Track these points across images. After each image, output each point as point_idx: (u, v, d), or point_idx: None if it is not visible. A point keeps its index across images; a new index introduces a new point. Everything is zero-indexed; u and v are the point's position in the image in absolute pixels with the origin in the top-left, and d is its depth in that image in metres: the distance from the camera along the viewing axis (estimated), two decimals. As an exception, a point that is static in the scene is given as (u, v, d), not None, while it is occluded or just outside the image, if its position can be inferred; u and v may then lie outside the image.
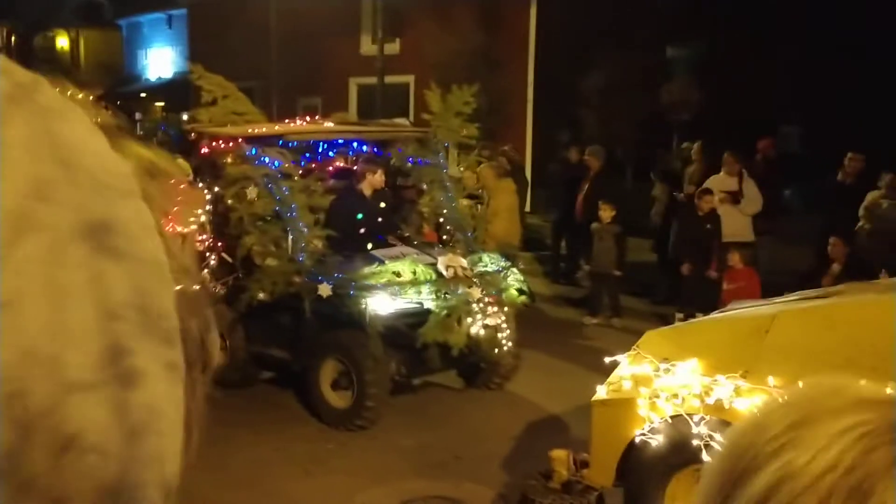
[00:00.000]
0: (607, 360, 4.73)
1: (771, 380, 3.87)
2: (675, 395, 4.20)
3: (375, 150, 8.65)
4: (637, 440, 4.40)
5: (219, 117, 8.19)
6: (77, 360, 0.37)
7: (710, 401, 4.08)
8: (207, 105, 8.24)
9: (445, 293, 6.91)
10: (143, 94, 29.23)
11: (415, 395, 7.50)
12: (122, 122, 0.49)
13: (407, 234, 8.36)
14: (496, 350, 7.03)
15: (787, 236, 11.01)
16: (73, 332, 0.37)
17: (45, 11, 32.68)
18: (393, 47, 18.41)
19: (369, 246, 7.58)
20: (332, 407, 6.97)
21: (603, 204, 10.02)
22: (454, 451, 6.43)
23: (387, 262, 7.10)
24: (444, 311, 6.79)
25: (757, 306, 4.88)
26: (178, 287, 0.44)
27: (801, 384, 0.66)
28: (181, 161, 6.99)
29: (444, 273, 7.08)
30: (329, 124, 8.92)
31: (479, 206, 9.47)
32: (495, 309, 6.96)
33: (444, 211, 8.32)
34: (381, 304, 6.72)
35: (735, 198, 9.92)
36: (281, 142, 7.93)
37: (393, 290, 6.81)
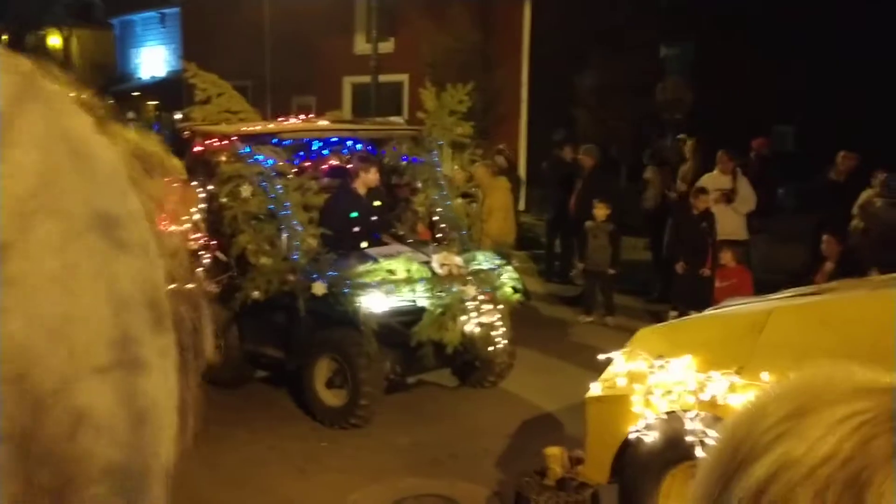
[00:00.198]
0: (601, 357, 4.73)
1: (765, 376, 3.87)
2: (670, 392, 4.21)
3: (370, 148, 8.64)
4: (631, 437, 4.41)
5: (213, 116, 8.18)
6: (90, 343, 0.38)
7: (705, 397, 4.08)
8: (201, 103, 8.23)
9: (440, 291, 6.91)
10: (135, 93, 29.19)
11: (409, 394, 7.51)
12: (108, 107, 0.49)
13: (401, 233, 8.36)
14: (490, 348, 7.04)
15: (781, 235, 11.05)
16: (87, 317, 0.38)
17: (36, 10, 32.63)
18: (387, 46, 18.42)
19: (363, 244, 7.58)
20: (326, 405, 6.96)
21: (598, 202, 10.03)
22: (449, 449, 6.43)
23: (381, 260, 7.10)
24: (439, 310, 6.79)
25: (751, 303, 4.89)
26: (167, 273, 0.45)
27: (799, 372, 0.65)
28: (175, 160, 6.97)
29: (439, 271, 7.08)
30: (323, 123, 8.91)
31: (473, 205, 9.47)
32: (490, 307, 6.96)
33: (439, 209, 8.32)
34: (375, 303, 6.71)
35: (729, 197, 9.95)
36: (275, 140, 7.92)
37: (387, 288, 6.80)
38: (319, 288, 6.82)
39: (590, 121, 15.97)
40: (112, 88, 28.07)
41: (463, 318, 6.81)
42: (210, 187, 7.50)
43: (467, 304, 6.86)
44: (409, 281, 6.92)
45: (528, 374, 7.84)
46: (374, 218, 7.90)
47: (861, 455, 0.57)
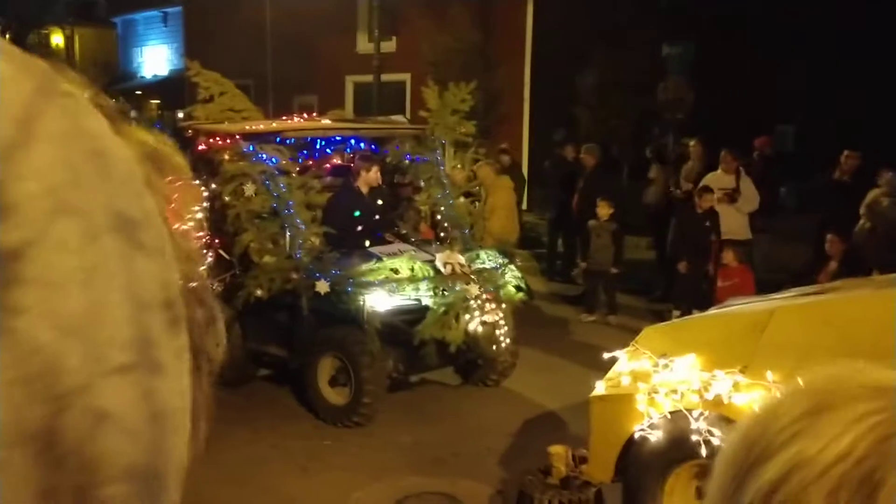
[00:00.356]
0: (605, 356, 4.73)
1: (769, 375, 3.87)
2: (674, 391, 4.20)
3: (373, 147, 8.64)
4: (636, 436, 4.40)
5: (215, 114, 8.17)
6: (110, 343, 0.38)
7: (709, 396, 4.08)
8: (204, 102, 8.22)
9: (443, 290, 6.91)
10: (138, 92, 29.18)
11: (412, 392, 7.51)
12: (119, 107, 0.49)
13: (404, 232, 8.36)
14: (493, 347, 7.03)
15: (784, 234, 11.04)
16: (106, 317, 0.38)
17: (39, 8, 32.63)
18: (389, 45, 18.40)
19: (367, 243, 7.58)
20: (329, 404, 6.97)
21: (601, 201, 10.03)
22: (452, 448, 6.43)
23: (384, 258, 7.10)
24: (442, 308, 6.79)
25: (755, 302, 4.89)
26: (182, 275, 0.45)
27: (815, 371, 0.65)
28: (182, 158, 6.98)
29: (442, 270, 7.08)
30: (326, 121, 8.91)
31: (475, 204, 9.48)
32: (493, 306, 6.96)
33: (442, 208, 8.32)
34: (378, 301, 6.72)
35: (732, 196, 9.94)
36: (278, 139, 7.92)
37: (390, 286, 6.81)
38: (322, 286, 6.83)
39: (591, 120, 15.96)
40: (114, 87, 28.07)
41: (466, 316, 6.81)
42: (213, 186, 7.50)
43: (470, 302, 6.85)
44: (413, 280, 6.92)
45: (531, 373, 7.84)
46: (377, 217, 7.90)
47: (875, 454, 0.57)
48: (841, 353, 3.74)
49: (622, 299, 10.29)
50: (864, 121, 13.89)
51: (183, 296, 0.44)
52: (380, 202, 8.01)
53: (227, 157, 7.52)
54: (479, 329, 6.84)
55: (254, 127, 7.93)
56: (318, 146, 8.76)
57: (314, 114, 10.19)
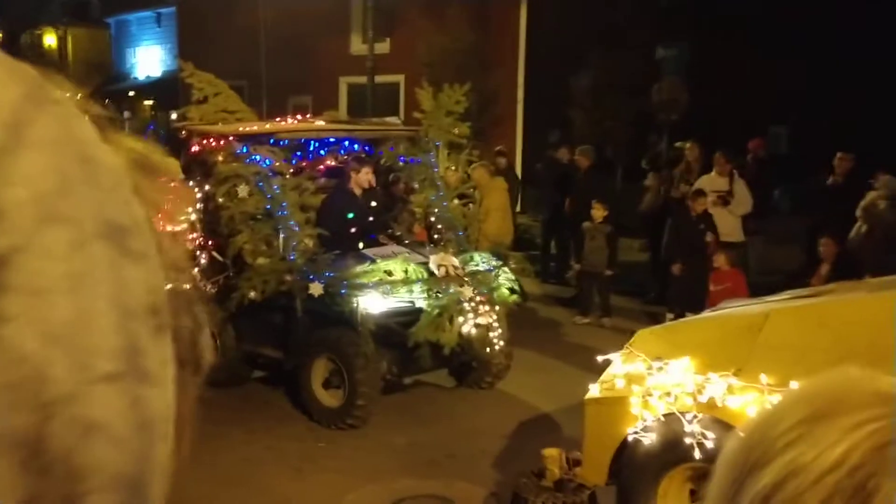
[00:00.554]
0: (600, 358, 4.73)
1: (763, 378, 3.88)
2: (668, 394, 4.21)
3: (367, 148, 8.64)
4: (630, 438, 4.41)
5: (209, 115, 8.17)
6: (97, 351, 0.38)
7: (703, 399, 4.08)
8: (198, 103, 8.22)
9: (437, 292, 6.91)
10: (131, 93, 29.17)
11: (406, 394, 7.50)
12: (112, 115, 0.49)
13: (398, 233, 8.36)
14: (487, 349, 7.03)
15: (776, 236, 11.07)
16: (96, 324, 0.38)
17: (32, 9, 32.57)
18: (383, 47, 18.40)
19: (360, 245, 7.58)
20: (323, 406, 6.96)
21: (596, 203, 10.04)
22: (446, 450, 6.43)
23: (378, 260, 7.10)
24: (436, 310, 6.78)
25: (749, 305, 4.89)
26: (169, 284, 0.44)
27: (818, 377, 0.65)
28: (170, 159, 6.97)
29: (436, 272, 7.08)
30: (320, 123, 8.91)
31: (470, 206, 9.48)
32: (487, 308, 6.96)
33: (436, 210, 8.32)
34: (372, 303, 6.71)
35: (725, 199, 9.95)
36: (272, 140, 7.91)
37: (384, 288, 6.80)
38: (316, 288, 6.82)
39: (586, 122, 15.98)
40: (108, 88, 28.05)
41: (460, 318, 6.80)
42: (207, 187, 7.49)
43: (464, 304, 6.85)
44: (407, 281, 6.92)
45: (525, 375, 7.84)
46: (371, 218, 7.90)
47: (871, 462, 0.56)
48: (836, 355, 3.75)
49: (616, 301, 10.30)
50: (858, 123, 13.94)
51: (170, 303, 0.44)
52: (373, 204, 8.01)
53: (220, 158, 7.51)
54: (473, 331, 6.83)
55: (248, 128, 7.92)
56: (311, 147, 8.75)
57: (308, 115, 10.18)
